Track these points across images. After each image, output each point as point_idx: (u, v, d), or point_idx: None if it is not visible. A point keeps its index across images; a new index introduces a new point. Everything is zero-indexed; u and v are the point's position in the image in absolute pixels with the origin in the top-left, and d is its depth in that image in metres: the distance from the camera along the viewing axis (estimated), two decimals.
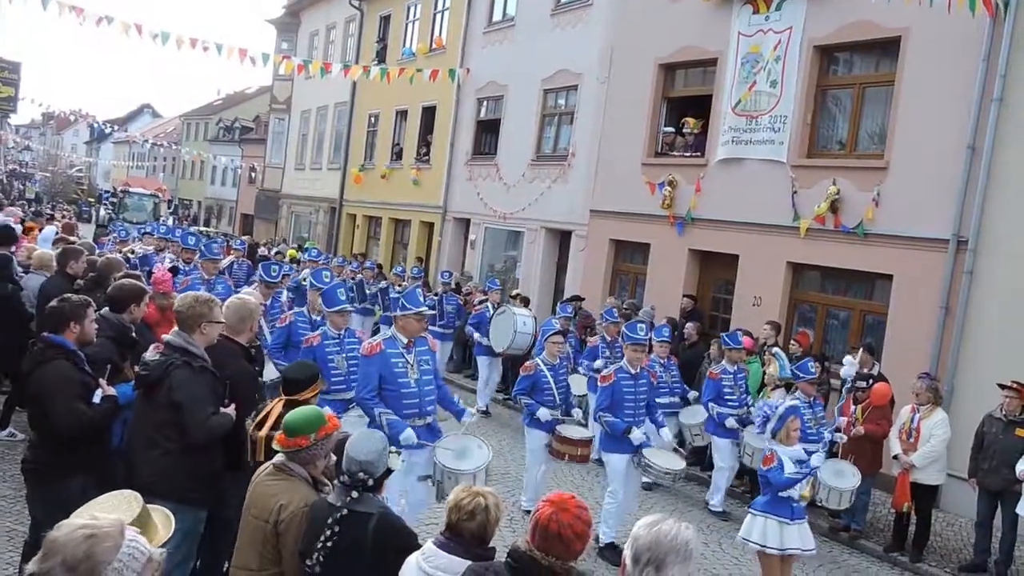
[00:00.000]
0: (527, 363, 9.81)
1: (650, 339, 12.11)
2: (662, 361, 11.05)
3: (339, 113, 31.00)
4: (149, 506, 2.93)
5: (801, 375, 9.69)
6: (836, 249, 12.96)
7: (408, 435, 6.88)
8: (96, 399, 5.42)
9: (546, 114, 20.10)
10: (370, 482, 4.08)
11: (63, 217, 29.37)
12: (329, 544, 3.96)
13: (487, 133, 22.62)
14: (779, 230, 13.74)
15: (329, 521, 3.99)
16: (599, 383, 9.15)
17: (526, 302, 16.28)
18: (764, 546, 7.10)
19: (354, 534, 3.96)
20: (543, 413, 9.12)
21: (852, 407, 10.25)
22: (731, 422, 10.40)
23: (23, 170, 70.86)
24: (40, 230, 17.11)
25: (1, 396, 9.96)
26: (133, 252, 14.29)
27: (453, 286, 17.58)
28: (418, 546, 3.94)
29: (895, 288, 12.21)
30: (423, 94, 24.17)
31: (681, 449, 9.50)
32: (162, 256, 14.12)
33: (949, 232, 11.48)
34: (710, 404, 10.60)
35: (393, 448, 4.37)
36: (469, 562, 3.51)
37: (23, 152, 73.02)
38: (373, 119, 28.52)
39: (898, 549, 9.82)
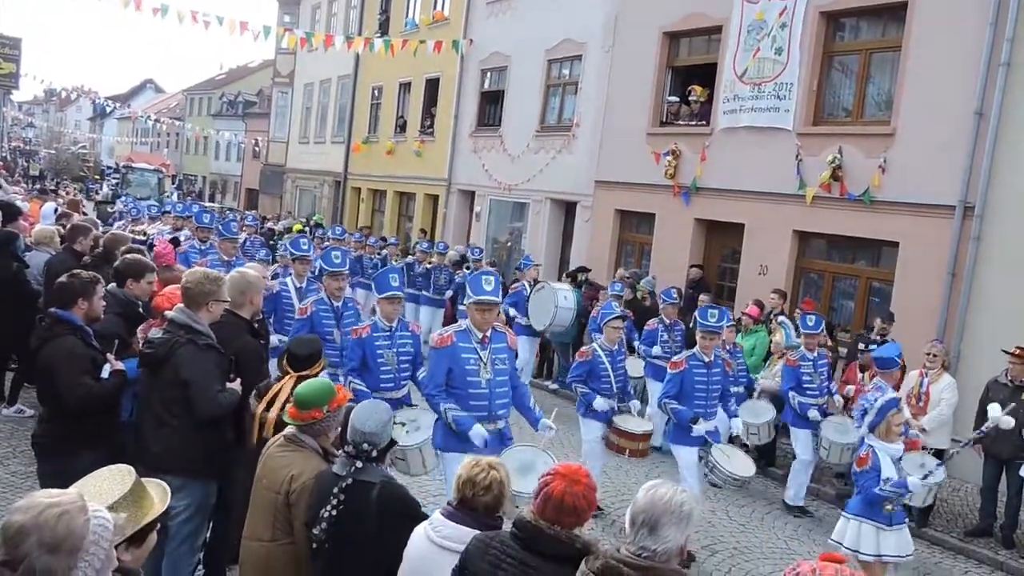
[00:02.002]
0: (583, 348, 9.19)
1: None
2: (728, 347, 10.11)
3: (342, 86, 30.88)
4: (144, 479, 2.93)
5: (887, 366, 8.98)
6: (842, 217, 12.91)
7: (477, 431, 6.31)
8: (105, 374, 5.45)
9: (550, 84, 19.99)
10: (374, 453, 4.12)
11: (67, 194, 29.41)
12: (334, 514, 4.00)
13: (491, 104, 22.51)
14: (785, 198, 13.69)
15: (335, 491, 4.02)
16: (668, 369, 8.47)
17: None
18: (857, 552, 6.59)
19: (358, 503, 3.99)
20: (599, 403, 8.52)
21: (859, 375, 10.25)
22: (814, 413, 9.63)
23: (27, 147, 70.83)
24: (41, 205, 17.09)
25: (9, 373, 10.01)
26: (146, 234, 13.74)
27: (485, 263, 16.52)
28: (423, 515, 3.97)
29: (902, 255, 12.17)
30: (426, 66, 24.07)
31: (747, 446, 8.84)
32: (177, 236, 13.09)
33: (956, 198, 11.42)
34: (790, 394, 9.82)
35: (398, 420, 4.40)
36: (476, 531, 3.54)
37: (26, 129, 72.88)
38: (376, 92, 28.40)
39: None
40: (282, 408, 5.15)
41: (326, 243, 17.45)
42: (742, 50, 14.54)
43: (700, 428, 7.99)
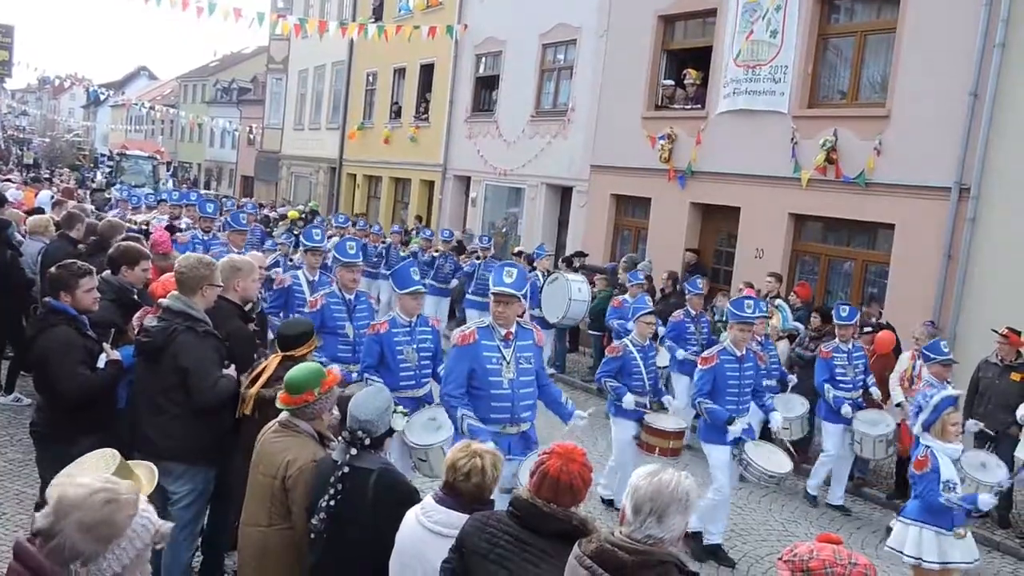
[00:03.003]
0: (614, 344, 8.84)
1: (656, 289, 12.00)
2: (759, 339, 9.46)
3: (337, 72, 30.76)
4: (132, 462, 2.95)
5: (933, 356, 8.76)
6: (838, 199, 12.91)
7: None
8: (101, 363, 5.42)
9: (545, 69, 19.93)
10: (367, 441, 4.12)
11: (61, 182, 29.33)
12: (332, 504, 4.02)
13: (486, 89, 22.45)
14: (781, 181, 13.67)
15: (332, 480, 4.04)
16: (699, 365, 8.06)
17: (530, 260, 16.26)
18: (920, 559, 6.17)
19: (356, 490, 4.01)
20: (628, 400, 8.17)
21: None
22: (846, 409, 9.32)
23: (20, 135, 70.45)
24: (36, 194, 17.04)
25: (5, 361, 10.00)
26: (144, 223, 13.06)
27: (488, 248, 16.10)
28: (419, 500, 3.98)
29: (897, 237, 12.18)
30: (421, 51, 23.97)
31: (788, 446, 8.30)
32: (173, 223, 12.81)
33: (951, 180, 11.42)
34: (824, 387, 9.51)
35: (399, 408, 4.40)
36: (468, 516, 3.55)
37: (19, 117, 72.59)
38: (371, 78, 28.31)
39: (901, 496, 9.87)
40: (265, 384, 5.18)
41: (328, 231, 17.30)
42: (737, 33, 14.49)
43: (736, 429, 7.56)
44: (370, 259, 16.53)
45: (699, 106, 15.50)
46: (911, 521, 6.31)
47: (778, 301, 11.62)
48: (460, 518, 3.56)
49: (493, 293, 6.17)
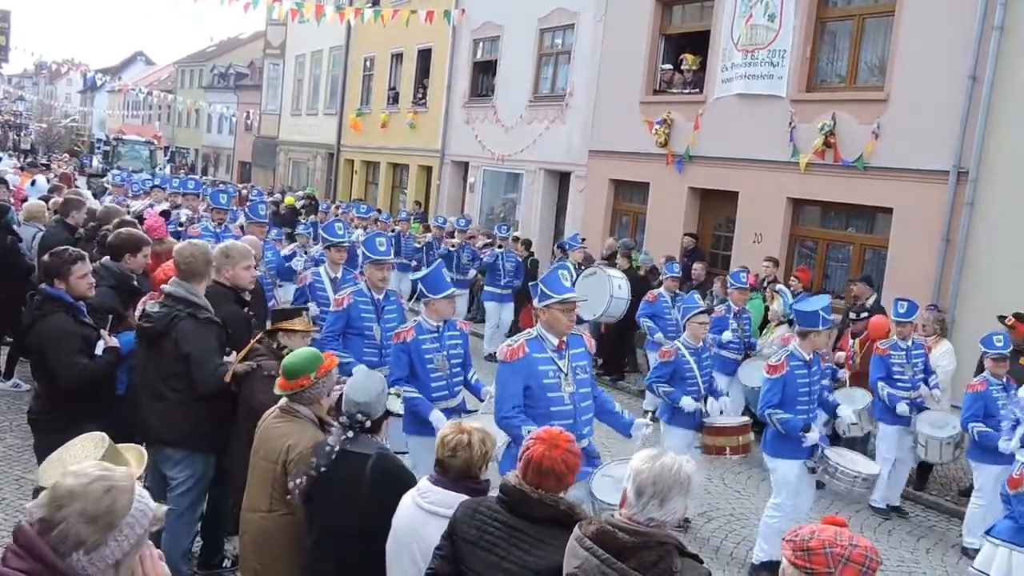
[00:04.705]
0: (665, 347, 8.37)
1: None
2: None
3: (334, 57, 30.67)
4: (121, 445, 2.96)
5: (986, 350, 8.43)
6: (836, 183, 12.89)
7: None
8: (99, 351, 5.42)
9: (543, 54, 19.87)
10: (367, 423, 4.14)
11: (59, 167, 29.28)
12: (313, 474, 4.03)
13: (484, 75, 22.39)
14: (779, 166, 13.65)
15: (318, 457, 4.07)
16: (766, 374, 7.27)
17: (527, 244, 16.25)
18: None
19: (351, 474, 4.02)
20: (687, 402, 7.77)
21: (850, 341, 10.27)
22: (902, 408, 8.83)
23: (17, 120, 70.29)
24: (32, 182, 17.01)
25: (4, 347, 10.00)
26: (143, 213, 13.11)
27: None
28: (416, 484, 3.99)
29: (895, 221, 12.17)
30: (418, 36, 23.90)
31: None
32: (177, 213, 12.25)
33: (950, 163, 11.40)
34: (879, 384, 9.04)
35: (394, 390, 4.41)
36: (463, 496, 3.58)
37: (17, 103, 72.44)
38: (368, 63, 28.23)
39: None
40: (244, 358, 5.21)
41: (330, 218, 17.06)
42: (736, 17, 14.44)
43: (812, 437, 6.96)
44: None
45: (697, 90, 15.47)
46: (1001, 542, 5.82)
47: (779, 286, 11.61)
48: (456, 497, 3.59)
49: (562, 301, 5.50)
